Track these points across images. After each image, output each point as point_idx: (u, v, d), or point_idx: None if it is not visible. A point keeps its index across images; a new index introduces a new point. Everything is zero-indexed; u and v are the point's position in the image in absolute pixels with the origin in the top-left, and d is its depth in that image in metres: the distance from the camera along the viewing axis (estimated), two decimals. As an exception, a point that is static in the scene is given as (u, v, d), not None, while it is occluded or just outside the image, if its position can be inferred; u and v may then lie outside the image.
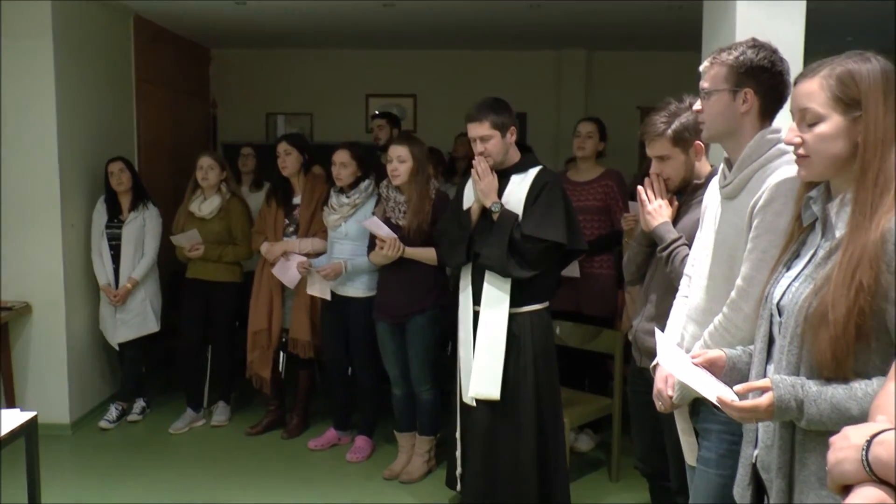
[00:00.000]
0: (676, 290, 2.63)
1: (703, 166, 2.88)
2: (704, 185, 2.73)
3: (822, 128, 1.69)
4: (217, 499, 4.00)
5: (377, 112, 7.05)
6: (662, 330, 2.58)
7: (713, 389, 1.78)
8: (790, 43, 3.39)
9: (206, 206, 4.86)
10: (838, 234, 1.67)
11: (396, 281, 4.06)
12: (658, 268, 2.88)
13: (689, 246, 2.63)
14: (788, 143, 1.77)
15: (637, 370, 3.00)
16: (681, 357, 2.02)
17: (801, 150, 1.73)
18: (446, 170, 5.98)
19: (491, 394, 3.41)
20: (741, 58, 2.20)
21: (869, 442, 1.16)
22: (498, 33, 7.08)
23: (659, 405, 2.42)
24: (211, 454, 4.59)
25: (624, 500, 4.04)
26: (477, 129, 3.43)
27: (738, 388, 1.72)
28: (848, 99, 1.67)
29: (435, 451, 4.31)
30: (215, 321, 4.96)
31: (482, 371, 3.42)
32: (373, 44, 7.76)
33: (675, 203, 2.91)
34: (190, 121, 7.05)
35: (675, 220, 2.85)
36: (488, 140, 3.41)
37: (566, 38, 7.41)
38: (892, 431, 1.16)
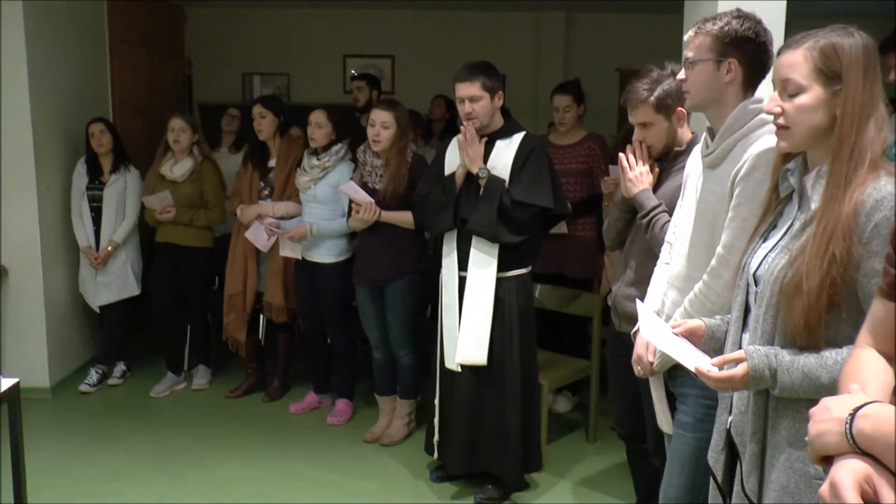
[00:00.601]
0: (656, 256, 2.66)
1: (684, 133, 2.90)
2: (686, 152, 2.75)
3: (802, 99, 1.71)
4: (199, 462, 4.03)
5: (356, 73, 6.98)
6: (642, 296, 2.63)
7: (692, 359, 1.82)
8: (773, 12, 3.38)
9: (177, 168, 4.80)
10: (814, 206, 1.70)
11: (375, 245, 4.06)
12: (638, 234, 2.91)
13: (670, 213, 2.66)
14: (769, 112, 1.79)
15: (616, 335, 3.03)
16: (661, 326, 2.06)
17: (780, 120, 1.75)
18: (424, 132, 5.95)
19: (478, 359, 3.45)
20: (726, 28, 2.21)
21: (852, 415, 1.19)
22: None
23: (638, 370, 2.46)
24: (192, 418, 4.61)
25: (601, 461, 4.10)
26: (467, 89, 3.42)
27: (714, 360, 1.76)
28: (829, 72, 1.69)
29: (415, 413, 4.35)
30: (187, 286, 4.94)
31: (469, 337, 3.46)
32: (351, 2, 7.67)
33: (657, 170, 2.93)
34: (165, 81, 6.94)
35: (656, 187, 2.87)
36: (477, 101, 3.40)
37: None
38: (876, 405, 1.18)
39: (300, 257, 4.43)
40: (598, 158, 4.53)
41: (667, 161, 2.92)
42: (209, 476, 3.88)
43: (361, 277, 4.15)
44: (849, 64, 1.68)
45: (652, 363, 2.38)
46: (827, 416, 1.23)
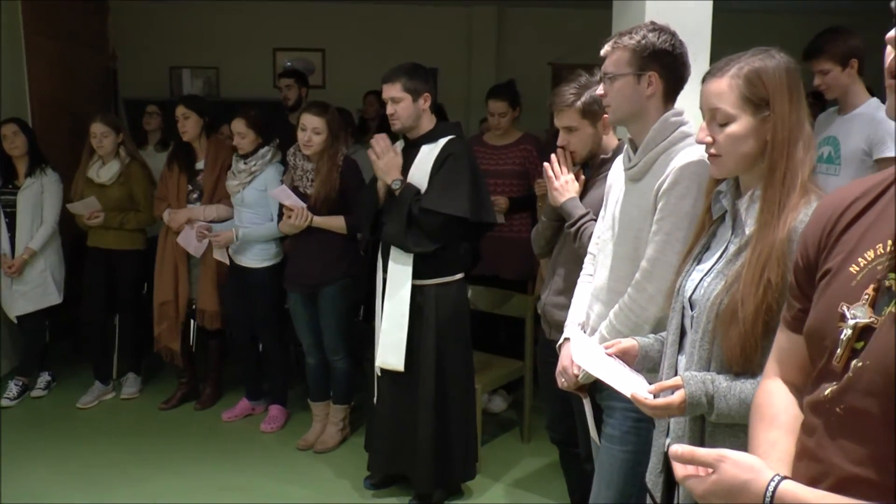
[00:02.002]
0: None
1: (610, 140, 2.91)
2: (612, 159, 2.76)
3: (732, 128, 1.73)
4: (129, 476, 3.93)
5: (284, 69, 6.87)
6: (570, 304, 2.64)
7: (627, 384, 1.82)
8: (699, 25, 3.41)
9: (104, 171, 4.67)
10: (748, 230, 1.72)
11: (307, 251, 4.02)
12: (566, 242, 2.91)
13: (597, 221, 2.67)
14: (700, 143, 1.81)
15: (546, 342, 3.04)
16: (593, 348, 2.06)
17: (712, 150, 1.77)
18: (356, 130, 5.88)
19: (395, 364, 3.45)
20: (643, 41, 2.22)
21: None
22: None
23: (562, 382, 2.47)
24: (122, 429, 4.50)
25: (536, 461, 4.13)
26: (388, 90, 3.40)
27: (650, 388, 1.77)
28: (756, 99, 1.71)
29: (349, 418, 4.32)
30: (119, 290, 4.82)
31: (387, 341, 3.47)
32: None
33: (583, 178, 2.93)
34: (88, 76, 6.71)
35: (583, 195, 2.88)
36: (398, 102, 3.38)
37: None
38: (790, 483, 1.17)
39: (227, 260, 4.37)
40: (534, 159, 4.53)
41: (593, 168, 2.93)
42: (139, 490, 3.80)
43: (293, 283, 4.10)
44: (774, 89, 1.71)
45: (577, 375, 2.39)
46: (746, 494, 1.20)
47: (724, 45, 3.68)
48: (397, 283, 3.44)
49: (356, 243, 4.03)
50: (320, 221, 3.94)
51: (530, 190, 4.45)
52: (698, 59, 3.32)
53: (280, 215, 4.06)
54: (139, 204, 4.72)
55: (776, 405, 1.37)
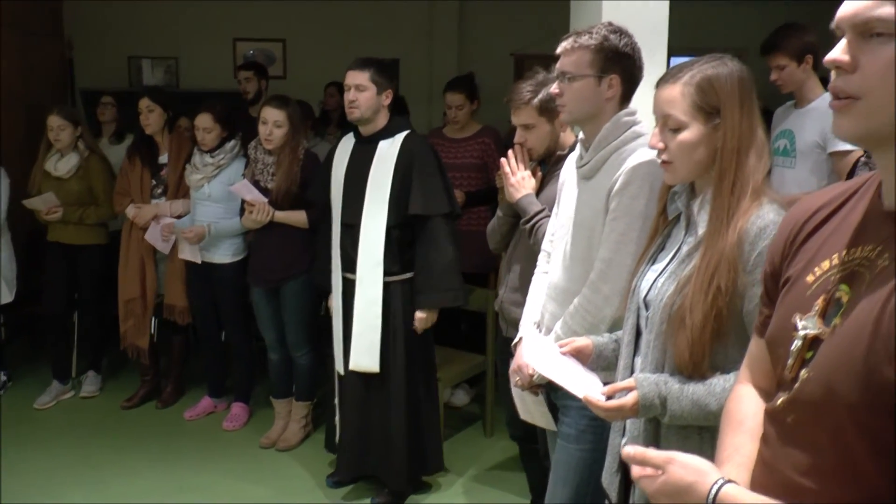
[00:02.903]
0: (540, 261, 2.68)
1: (567, 137, 2.92)
2: (568, 156, 2.76)
3: (684, 135, 1.74)
4: (89, 477, 3.89)
5: (244, 61, 6.78)
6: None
7: (580, 386, 1.84)
8: (656, 23, 3.41)
9: (62, 164, 4.58)
10: (700, 231, 1.74)
11: (269, 245, 4.00)
12: (521, 238, 2.93)
13: (551, 218, 2.67)
14: (652, 148, 1.82)
15: (504, 339, 3.05)
16: (547, 347, 2.06)
17: (664, 156, 1.78)
18: (316, 123, 5.81)
19: (370, 366, 3.43)
20: (606, 43, 2.23)
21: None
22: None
23: (516, 380, 2.47)
24: (81, 429, 4.42)
25: (498, 455, 4.14)
26: (356, 77, 3.38)
27: (604, 390, 1.78)
28: (708, 107, 1.72)
29: (312, 415, 4.31)
30: (81, 286, 4.74)
31: (360, 343, 3.43)
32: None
33: (540, 174, 2.94)
34: (43, 66, 6.53)
35: (539, 191, 2.89)
36: (362, 90, 3.36)
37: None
38: (733, 487, 1.19)
39: (199, 260, 4.29)
40: (493, 152, 4.53)
41: (549, 165, 2.94)
42: (98, 492, 3.76)
43: (256, 278, 4.08)
44: (725, 97, 1.72)
45: (532, 375, 2.40)
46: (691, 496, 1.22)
47: (681, 35, 3.70)
48: (369, 281, 3.41)
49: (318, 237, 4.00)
50: (282, 216, 3.92)
51: (490, 183, 4.45)
52: (655, 56, 3.32)
53: (242, 210, 4.02)
54: (98, 198, 4.64)
55: (744, 410, 1.39)
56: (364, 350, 3.42)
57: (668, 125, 1.76)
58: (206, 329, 4.54)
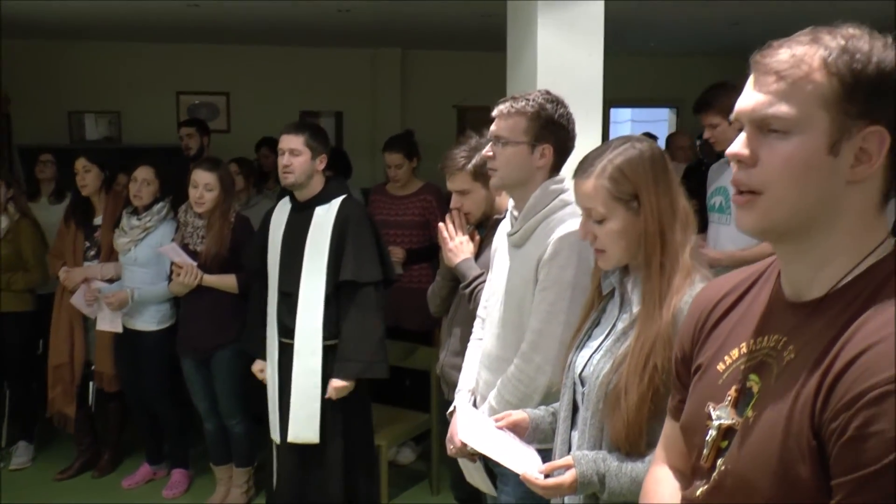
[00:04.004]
0: (480, 324, 2.68)
1: (503, 200, 2.93)
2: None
3: (609, 225, 1.77)
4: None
5: (186, 118, 6.74)
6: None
7: (518, 462, 1.83)
8: (591, 78, 3.47)
9: None
10: (635, 309, 1.75)
11: (198, 312, 3.90)
12: (462, 302, 2.93)
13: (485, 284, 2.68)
14: (582, 239, 1.85)
15: (446, 402, 3.03)
16: (483, 423, 2.06)
17: (595, 245, 1.80)
18: (257, 180, 5.77)
19: (310, 438, 3.36)
20: (542, 113, 2.25)
21: None
22: (311, 32, 6.96)
23: (451, 448, 2.45)
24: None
25: (444, 514, 4.10)
26: (290, 141, 3.34)
27: (542, 468, 1.78)
28: (625, 196, 1.75)
29: (254, 479, 4.21)
30: (7, 354, 4.58)
31: (301, 414, 3.36)
32: (182, 38, 7.44)
33: (477, 237, 2.95)
34: (-23, 121, 6.46)
35: (478, 255, 2.90)
36: (297, 155, 3.33)
37: (380, 37, 7.38)
38: None
39: (121, 330, 4.17)
40: (434, 210, 4.55)
41: (487, 229, 2.96)
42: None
43: (186, 347, 3.98)
44: (638, 182, 1.75)
45: (464, 445, 2.38)
46: None
47: (618, 87, 3.73)
48: (308, 350, 3.36)
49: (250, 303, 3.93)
50: (210, 280, 3.84)
51: (431, 240, 4.46)
52: (591, 115, 3.39)
53: (171, 275, 3.95)
54: (27, 263, 4.52)
55: (661, 493, 1.39)
56: (303, 421, 3.35)
57: (592, 216, 1.79)
58: (134, 398, 4.38)
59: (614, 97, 3.55)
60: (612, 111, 9.09)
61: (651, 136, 8.19)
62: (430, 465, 4.40)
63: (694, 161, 6.54)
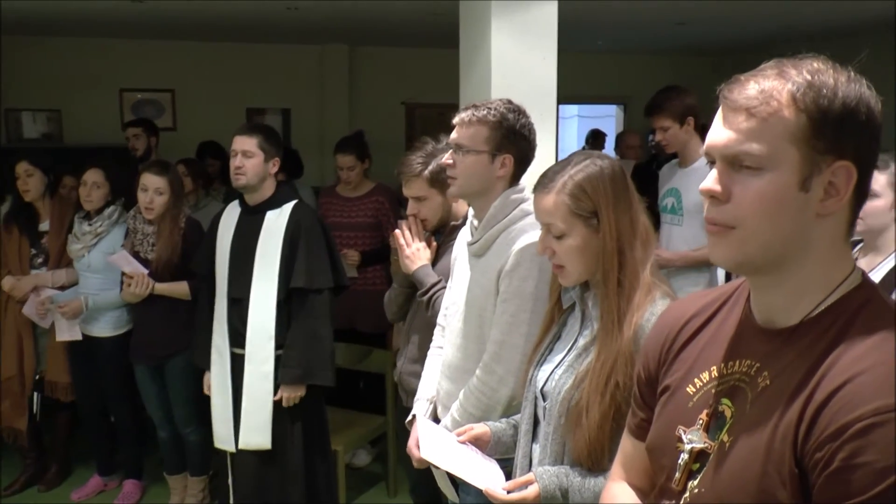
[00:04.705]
0: (438, 332, 2.68)
1: (460, 207, 2.93)
2: (462, 226, 2.78)
3: (569, 241, 1.77)
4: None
5: (132, 119, 6.59)
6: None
7: (480, 477, 1.84)
8: (545, 88, 3.48)
9: None
10: (596, 325, 1.76)
11: (151, 319, 3.83)
12: (419, 309, 2.91)
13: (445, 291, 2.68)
14: (541, 254, 1.84)
15: (404, 409, 3.02)
16: (444, 438, 2.06)
17: (554, 260, 1.80)
18: (206, 183, 5.69)
19: (262, 444, 3.33)
20: (504, 122, 2.25)
21: None
22: (258, 28, 6.87)
23: (416, 454, 2.45)
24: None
25: (402, 516, 4.10)
26: (243, 143, 3.28)
27: (505, 485, 1.79)
28: (584, 212, 1.75)
29: (209, 488, 4.15)
30: None
31: (251, 421, 3.33)
32: (125, 33, 7.27)
33: (434, 244, 2.95)
34: None
35: (435, 261, 2.89)
36: (249, 157, 3.26)
37: (328, 33, 7.31)
38: None
39: (80, 337, 4.07)
40: (387, 211, 4.54)
41: (444, 235, 2.95)
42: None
43: (139, 355, 3.90)
44: (599, 199, 1.75)
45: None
46: None
47: (568, 85, 3.74)
48: (260, 358, 3.32)
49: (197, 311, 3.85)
50: (163, 288, 3.77)
51: (384, 242, 4.45)
52: (545, 119, 3.40)
53: (122, 282, 3.87)
54: (-35, 272, 4.35)
55: None
56: (255, 427, 3.32)
57: (552, 232, 1.79)
58: (89, 405, 4.27)
59: (562, 94, 3.55)
60: (560, 107, 9.16)
61: (600, 133, 8.34)
62: (386, 468, 4.40)
63: (645, 159, 6.63)
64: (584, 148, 8.43)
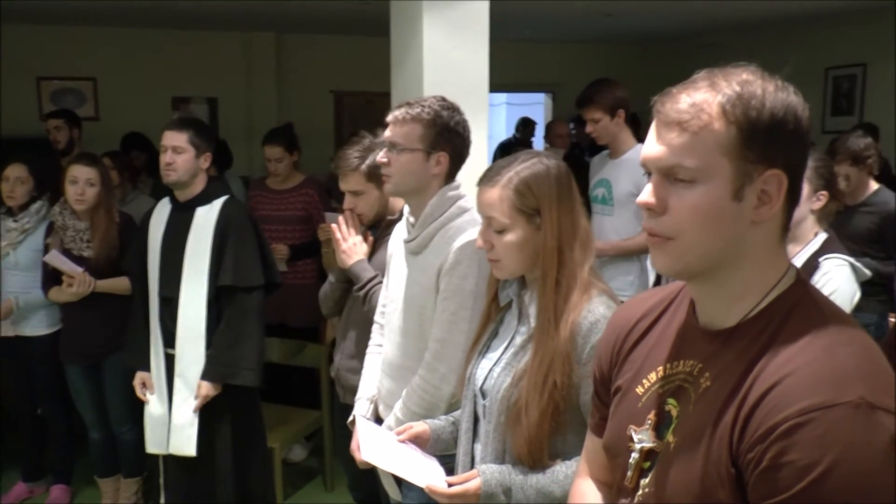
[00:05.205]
0: (375, 327, 2.67)
1: (396, 201, 2.92)
2: (398, 222, 2.77)
3: (508, 237, 1.78)
4: None
5: (52, 110, 6.37)
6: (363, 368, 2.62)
7: (421, 474, 1.84)
8: (477, 83, 3.48)
9: None
10: (533, 322, 1.77)
11: (88, 318, 3.70)
12: (355, 304, 2.90)
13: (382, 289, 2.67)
14: (479, 248, 1.85)
15: (341, 405, 3.01)
16: (384, 437, 2.05)
17: (491, 255, 1.81)
18: (133, 175, 5.55)
19: (189, 451, 3.25)
20: (438, 120, 2.24)
21: None
22: (182, 15, 6.71)
23: (359, 456, 2.44)
24: None
25: (339, 510, 4.08)
26: (173, 138, 3.19)
27: (449, 479, 1.80)
28: (528, 209, 1.76)
29: (143, 490, 4.06)
30: None
31: (179, 424, 3.26)
32: (43, 19, 7.02)
33: (371, 239, 2.93)
34: None
35: (371, 256, 2.88)
36: (180, 153, 3.18)
37: (254, 20, 7.18)
38: None
39: (13, 334, 3.91)
40: (316, 204, 4.50)
41: (380, 230, 2.94)
42: None
43: (72, 354, 3.77)
44: (543, 197, 1.77)
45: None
46: None
47: (498, 73, 3.76)
48: (190, 358, 3.24)
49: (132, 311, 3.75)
50: (105, 285, 3.66)
51: (314, 235, 4.39)
52: (477, 115, 3.40)
53: (48, 280, 3.74)
54: None
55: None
56: (184, 434, 3.24)
57: (492, 226, 1.80)
58: (18, 407, 4.13)
59: (491, 82, 3.56)
60: (490, 96, 9.18)
61: (529, 121, 8.40)
62: (323, 461, 4.37)
63: (570, 148, 6.71)
64: (514, 135, 8.50)
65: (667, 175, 1.13)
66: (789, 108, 1.10)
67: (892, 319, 3.90)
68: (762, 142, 1.09)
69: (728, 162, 1.09)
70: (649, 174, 1.16)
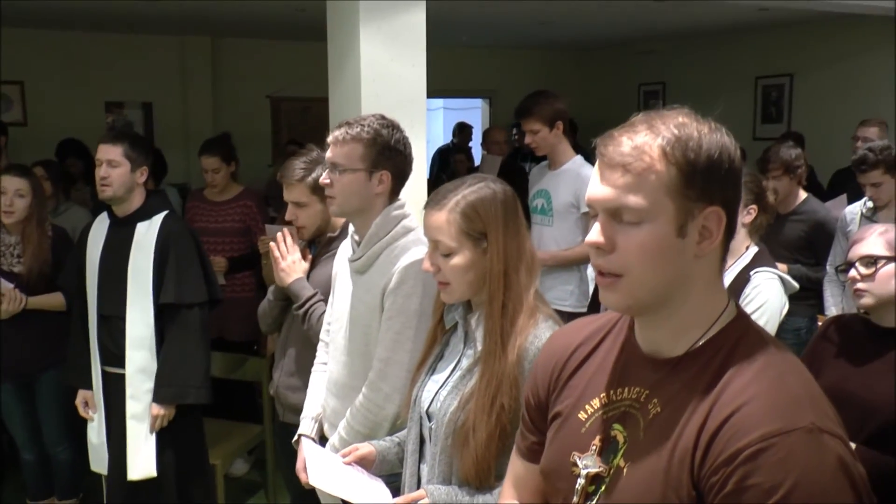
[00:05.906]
0: (315, 345, 2.65)
1: (337, 219, 2.90)
2: (339, 238, 2.76)
3: (455, 260, 1.79)
4: None
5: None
6: (304, 385, 2.62)
7: (367, 497, 1.84)
8: (414, 94, 3.48)
9: None
10: (479, 346, 1.78)
11: (19, 336, 3.58)
12: (295, 322, 2.88)
13: (326, 301, 2.65)
14: (426, 271, 1.86)
15: (281, 424, 2.98)
16: (330, 460, 2.05)
17: (439, 278, 1.82)
18: (67, 186, 5.40)
19: (149, 472, 3.19)
20: (378, 139, 2.24)
21: None
22: (114, 18, 6.56)
23: (304, 478, 2.43)
24: None
25: (283, 525, 4.05)
26: (108, 152, 3.12)
27: (396, 500, 1.80)
28: (475, 233, 1.78)
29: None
30: None
31: (136, 446, 3.18)
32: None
33: (310, 256, 2.91)
34: None
35: (310, 272, 2.86)
36: (115, 166, 3.11)
37: (189, 24, 7.07)
38: None
39: None
40: (255, 215, 4.46)
41: (320, 246, 2.92)
42: None
43: (5, 373, 3.64)
44: (489, 222, 1.78)
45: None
46: None
47: (435, 78, 3.76)
48: (141, 380, 3.17)
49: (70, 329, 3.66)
50: (37, 302, 3.57)
51: (253, 247, 4.35)
52: (415, 126, 3.40)
53: None
54: None
55: None
56: (142, 458, 3.17)
57: (439, 249, 1.80)
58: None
59: (429, 88, 3.56)
60: (427, 101, 9.19)
61: (466, 126, 8.42)
62: (265, 476, 4.33)
63: (509, 153, 6.75)
64: (451, 141, 8.52)
65: (613, 215, 1.17)
66: (724, 148, 1.16)
67: (820, 323, 4.03)
68: (701, 181, 1.14)
69: (670, 201, 1.14)
70: (595, 216, 1.19)
